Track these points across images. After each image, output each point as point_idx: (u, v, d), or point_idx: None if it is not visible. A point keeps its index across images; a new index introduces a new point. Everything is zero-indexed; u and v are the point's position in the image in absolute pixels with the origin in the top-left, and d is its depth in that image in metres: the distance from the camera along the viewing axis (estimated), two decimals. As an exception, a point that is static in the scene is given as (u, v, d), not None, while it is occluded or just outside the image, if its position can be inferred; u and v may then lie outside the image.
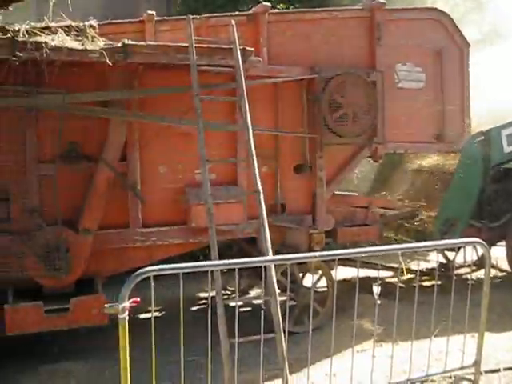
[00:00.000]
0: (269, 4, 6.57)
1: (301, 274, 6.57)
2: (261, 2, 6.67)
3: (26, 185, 5.58)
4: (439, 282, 5.34)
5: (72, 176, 5.70)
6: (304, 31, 6.73)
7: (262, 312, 4.44)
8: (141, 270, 3.51)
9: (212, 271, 4.33)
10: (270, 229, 5.14)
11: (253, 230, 6.27)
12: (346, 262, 6.80)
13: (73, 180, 5.71)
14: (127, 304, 3.42)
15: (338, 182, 6.95)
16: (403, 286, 7.05)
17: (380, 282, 6.44)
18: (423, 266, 8.25)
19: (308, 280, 6.54)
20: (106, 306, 3.47)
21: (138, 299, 3.50)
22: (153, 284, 3.55)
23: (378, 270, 5.86)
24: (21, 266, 5.44)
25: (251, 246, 6.72)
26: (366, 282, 6.87)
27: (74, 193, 5.70)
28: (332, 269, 6.42)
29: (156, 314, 7.09)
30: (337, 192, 7.12)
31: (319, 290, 6.74)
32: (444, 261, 8.41)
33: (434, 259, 7.59)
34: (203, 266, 4.14)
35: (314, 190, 6.72)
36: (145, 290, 3.60)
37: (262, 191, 5.10)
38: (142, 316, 6.47)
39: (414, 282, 6.76)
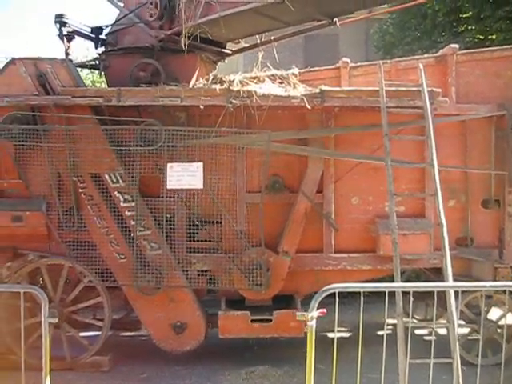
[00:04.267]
0: (457, 46, 6.86)
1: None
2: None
3: (236, 211, 6.53)
4: None
5: (274, 204, 6.56)
6: (493, 69, 6.87)
7: (433, 336, 4.68)
8: (328, 286, 4.14)
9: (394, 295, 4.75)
10: (456, 261, 5.45)
11: (439, 260, 6.50)
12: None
13: (275, 208, 6.56)
14: (315, 313, 4.04)
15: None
16: None
17: None
18: None
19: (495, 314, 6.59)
20: (297, 313, 4.13)
21: (325, 310, 4.11)
22: (337, 299, 4.12)
23: None
24: (229, 280, 6.42)
25: (438, 276, 6.94)
26: None
27: (275, 219, 6.55)
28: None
29: (344, 334, 7.60)
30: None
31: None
32: None
33: None
34: (383, 287, 4.58)
35: (502, 224, 6.78)
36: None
37: (445, 224, 5.43)
38: (330, 335, 7.02)
39: None
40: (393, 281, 7.64)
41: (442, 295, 5.36)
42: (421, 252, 6.45)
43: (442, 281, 6.54)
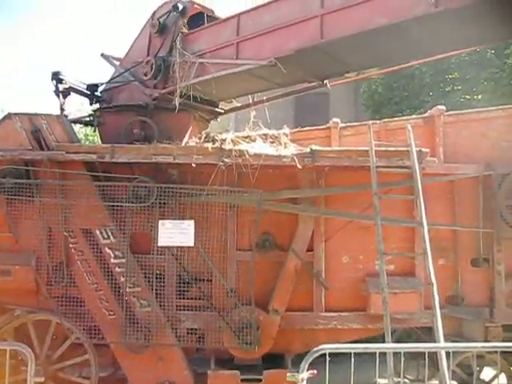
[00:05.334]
0: (444, 107, 7.04)
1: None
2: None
3: (226, 269, 6.53)
4: None
5: (265, 263, 6.57)
6: (479, 130, 7.03)
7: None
8: (318, 348, 4.14)
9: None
10: (447, 320, 5.45)
11: (429, 319, 6.45)
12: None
13: (265, 266, 6.57)
14: (305, 375, 4.03)
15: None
16: None
17: None
18: None
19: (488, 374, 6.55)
20: (288, 374, 4.11)
21: (315, 371, 4.09)
22: (328, 359, 4.09)
23: None
24: (219, 338, 6.36)
25: (429, 335, 6.90)
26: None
27: (265, 277, 6.54)
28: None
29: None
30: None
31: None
32: None
33: None
34: (374, 348, 4.57)
35: (492, 282, 6.80)
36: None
37: (435, 283, 5.46)
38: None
39: None
40: (383, 340, 7.63)
41: (434, 355, 5.35)
42: (411, 311, 6.45)
43: (434, 340, 6.55)
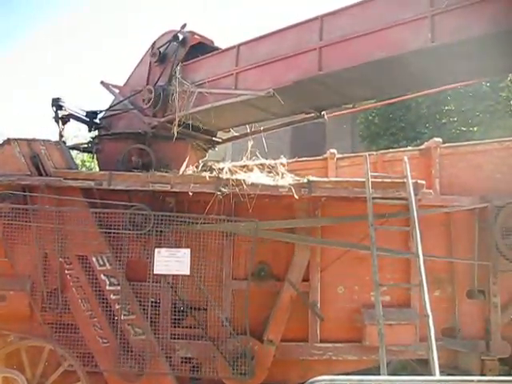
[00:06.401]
0: (440, 140, 7.11)
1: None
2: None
3: (222, 298, 6.50)
4: None
5: (260, 292, 6.55)
6: (475, 162, 7.07)
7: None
8: (314, 379, 4.09)
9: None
10: (443, 352, 5.41)
11: (425, 351, 6.41)
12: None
13: (261, 296, 6.54)
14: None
15: (515, 307, 6.91)
16: None
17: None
18: None
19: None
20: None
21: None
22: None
23: None
24: (213, 368, 6.31)
25: (425, 368, 6.86)
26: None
27: (261, 307, 6.51)
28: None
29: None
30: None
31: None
32: None
33: None
34: (370, 380, 4.53)
35: (488, 315, 6.78)
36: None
37: (431, 315, 5.44)
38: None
39: None
40: (378, 371, 7.58)
41: (429, 388, 5.31)
42: (407, 343, 6.43)
43: (429, 373, 6.52)
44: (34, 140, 6.54)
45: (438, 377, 5.24)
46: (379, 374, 6.30)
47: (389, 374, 5.85)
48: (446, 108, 14.03)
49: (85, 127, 7.81)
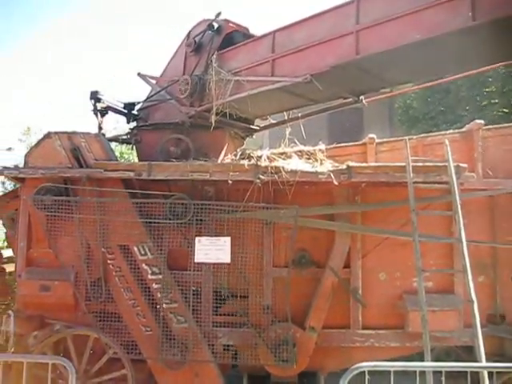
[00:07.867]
0: (482, 121, 6.94)
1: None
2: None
3: (263, 285, 6.51)
4: None
5: (301, 279, 6.53)
6: None
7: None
8: (356, 365, 4.08)
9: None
10: (488, 339, 5.29)
11: (469, 338, 6.31)
12: None
13: (301, 283, 6.52)
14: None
15: None
16: None
17: None
18: None
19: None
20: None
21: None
22: (367, 377, 4.03)
23: None
24: (255, 355, 6.33)
25: (469, 355, 6.75)
26: None
27: (302, 294, 6.50)
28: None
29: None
30: None
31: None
32: None
33: None
34: (413, 366, 4.48)
35: (534, 300, 6.64)
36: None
37: (475, 301, 5.34)
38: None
39: None
40: (421, 358, 7.50)
41: (475, 375, 5.21)
42: (450, 329, 6.33)
43: (474, 359, 6.41)
44: (74, 133, 6.64)
45: (486, 363, 5.14)
46: (423, 361, 6.30)
47: (432, 361, 5.78)
48: (487, 90, 13.69)
49: (123, 119, 7.92)
